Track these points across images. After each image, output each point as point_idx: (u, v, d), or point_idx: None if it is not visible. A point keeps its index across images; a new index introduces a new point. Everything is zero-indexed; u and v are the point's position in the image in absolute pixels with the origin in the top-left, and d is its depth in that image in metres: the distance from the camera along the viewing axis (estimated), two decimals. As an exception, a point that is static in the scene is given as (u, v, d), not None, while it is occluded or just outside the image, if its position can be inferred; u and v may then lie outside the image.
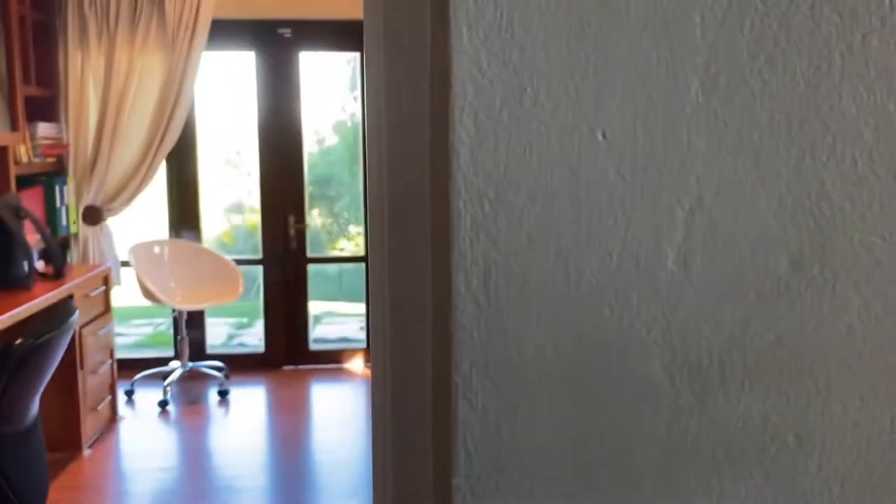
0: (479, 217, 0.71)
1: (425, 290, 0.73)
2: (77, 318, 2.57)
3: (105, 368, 4.34)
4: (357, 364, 5.58)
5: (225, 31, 5.09)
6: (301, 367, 5.51)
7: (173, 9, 4.85)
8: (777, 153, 0.76)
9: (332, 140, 7.39)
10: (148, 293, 4.72)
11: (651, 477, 0.76)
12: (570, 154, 0.74)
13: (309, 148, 6.63)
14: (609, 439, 0.76)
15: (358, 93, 6.40)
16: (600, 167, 0.74)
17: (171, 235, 5.32)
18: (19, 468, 2.31)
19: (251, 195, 8.49)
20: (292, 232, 5.41)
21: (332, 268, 7.94)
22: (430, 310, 0.72)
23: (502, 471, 0.71)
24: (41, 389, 2.48)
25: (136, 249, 4.92)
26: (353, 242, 8.19)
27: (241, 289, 4.96)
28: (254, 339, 6.81)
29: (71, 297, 3.87)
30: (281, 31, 5.21)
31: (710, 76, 0.75)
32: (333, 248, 7.80)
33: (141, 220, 6.58)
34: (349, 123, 7.67)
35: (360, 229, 7.80)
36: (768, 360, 0.77)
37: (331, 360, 5.58)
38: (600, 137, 0.74)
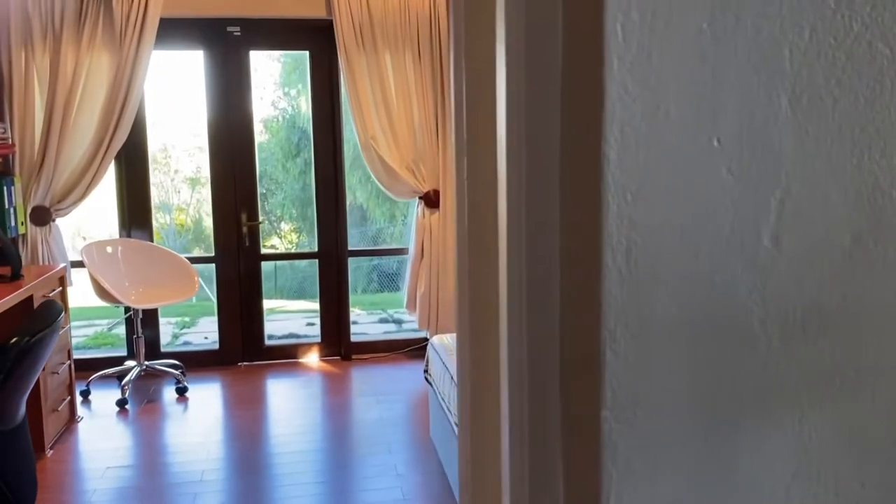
0: (623, 206, 0.90)
1: (553, 263, 0.90)
2: (63, 317, 2.62)
3: (64, 369, 4.32)
4: (312, 358, 5.68)
5: (174, 30, 5.10)
6: (257, 362, 5.57)
7: (120, 7, 4.83)
8: (844, 154, 1.00)
9: (262, 137, 7.39)
10: (104, 293, 4.70)
11: (750, 405, 0.98)
12: (692, 156, 0.94)
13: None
14: (718, 377, 0.97)
15: (290, 90, 6.47)
16: (715, 167, 0.95)
17: (121, 234, 5.28)
18: (12, 466, 2.36)
19: (179, 194, 8.39)
20: (245, 229, 5.46)
21: (267, 265, 7.96)
22: (569, 282, 0.88)
23: (639, 403, 0.91)
24: (31, 388, 2.53)
25: (88, 249, 4.88)
26: (285, 240, 8.22)
27: (196, 286, 4.99)
28: (198, 337, 6.81)
29: (30, 297, 3.85)
30: (230, 29, 5.25)
31: (796, 95, 0.97)
32: (264, 246, 7.78)
33: (86, 219, 6.47)
34: (280, 119, 7.71)
35: (294, 226, 7.82)
36: (837, 314, 1.01)
37: (286, 355, 5.67)
38: (715, 143, 0.95)
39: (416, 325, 5.72)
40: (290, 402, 4.90)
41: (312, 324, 6.78)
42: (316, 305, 6.91)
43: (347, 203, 5.64)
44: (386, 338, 6.13)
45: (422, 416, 4.50)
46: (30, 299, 3.80)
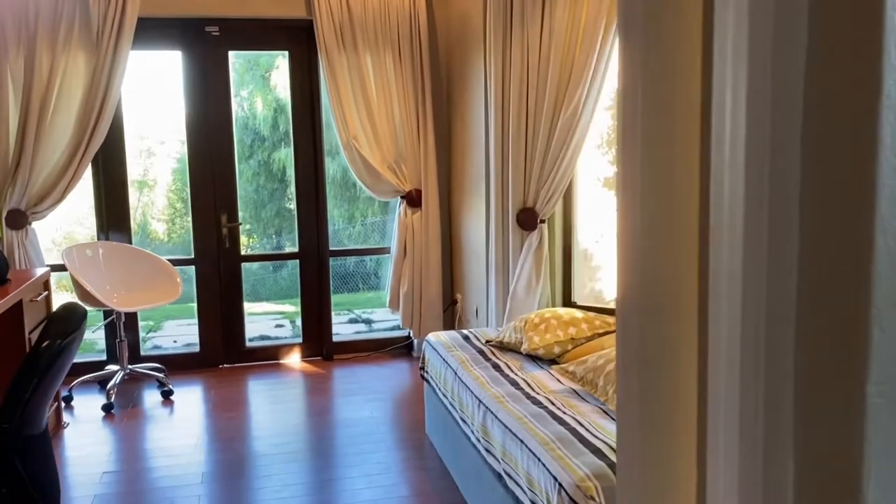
0: None
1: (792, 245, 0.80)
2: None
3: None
4: (294, 359, 5.67)
5: (151, 30, 5.04)
6: (238, 364, 5.54)
7: (97, 7, 4.76)
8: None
9: None
10: (86, 296, 4.62)
11: None
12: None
13: (184, 147, 6.55)
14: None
15: (242, 90, 6.34)
16: None
17: (99, 237, 5.20)
18: (41, 470, 2.35)
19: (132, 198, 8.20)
20: (225, 231, 5.43)
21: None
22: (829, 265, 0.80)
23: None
24: (56, 391, 2.50)
25: (69, 252, 4.80)
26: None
27: (180, 288, 4.94)
28: (166, 340, 6.71)
29: (20, 302, 3.79)
30: (209, 29, 5.21)
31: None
32: None
33: (60, 222, 6.33)
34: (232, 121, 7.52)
35: (246, 227, 7.49)
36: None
37: (267, 356, 5.65)
38: None
39: (386, 325, 5.75)
40: (278, 403, 4.89)
41: (281, 325, 6.75)
42: (284, 307, 6.87)
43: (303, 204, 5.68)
44: (357, 338, 6.13)
45: (413, 412, 4.54)
46: (19, 304, 3.74)
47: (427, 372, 3.97)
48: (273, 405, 4.82)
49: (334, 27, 5.15)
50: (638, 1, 0.83)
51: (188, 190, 5.42)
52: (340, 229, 7.15)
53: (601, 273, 4.95)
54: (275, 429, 4.40)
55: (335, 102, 5.22)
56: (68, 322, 2.15)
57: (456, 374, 3.47)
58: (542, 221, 4.33)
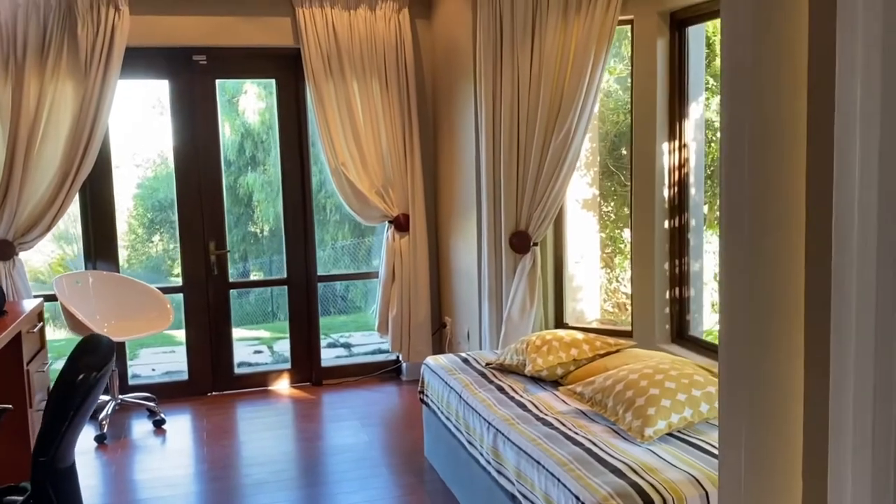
0: None
1: None
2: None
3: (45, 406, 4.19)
4: (283, 385, 5.66)
5: (139, 59, 5.05)
6: (227, 392, 5.52)
7: (86, 36, 4.77)
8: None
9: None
10: (77, 325, 4.58)
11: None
12: None
13: (144, 173, 6.49)
14: None
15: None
16: None
17: (86, 266, 5.16)
18: (71, 501, 2.34)
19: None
20: (213, 258, 5.42)
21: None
22: None
23: None
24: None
25: (59, 282, 4.76)
26: None
27: (171, 316, 4.92)
28: (144, 369, 6.62)
29: (19, 334, 3.75)
30: (196, 58, 5.23)
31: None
32: (172, 276, 7.34)
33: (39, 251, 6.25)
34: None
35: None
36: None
37: (256, 383, 5.63)
38: None
39: (367, 349, 5.78)
40: (271, 430, 4.87)
41: (260, 351, 6.72)
42: (259, 333, 6.82)
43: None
44: (342, 363, 6.11)
45: (410, 436, 4.56)
46: (18, 335, 3.70)
47: (427, 395, 4.00)
48: (266, 432, 4.80)
49: (322, 55, 5.21)
50: (746, 49, 0.90)
51: (176, 218, 5.41)
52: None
53: (581, 294, 5.05)
54: (270, 456, 4.38)
55: (323, 129, 5.27)
56: (99, 354, 2.16)
57: (461, 396, 3.51)
58: (535, 244, 4.41)
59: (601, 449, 2.70)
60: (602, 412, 2.99)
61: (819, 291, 0.92)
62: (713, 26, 4.14)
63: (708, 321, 4.35)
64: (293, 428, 4.91)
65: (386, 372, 5.85)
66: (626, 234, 6.26)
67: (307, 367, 5.72)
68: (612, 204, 5.74)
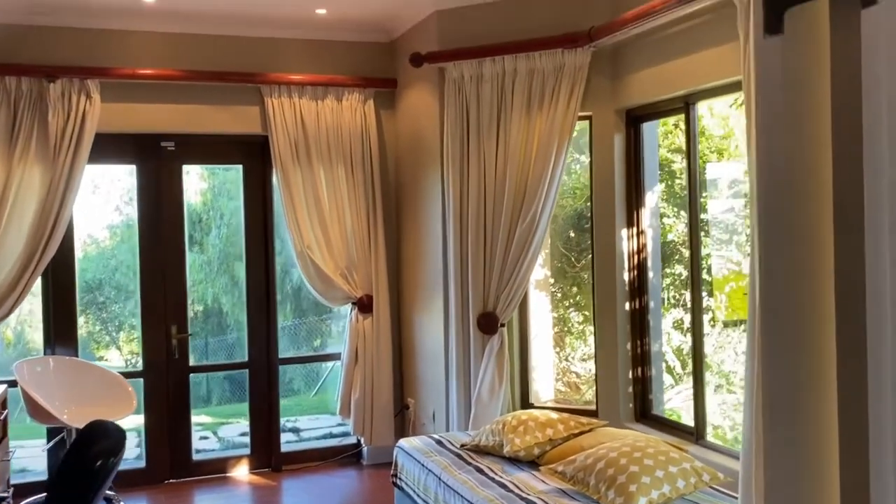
0: None
1: None
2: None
3: (8, 501, 4.06)
4: (242, 472, 5.57)
5: (108, 145, 5.10)
6: (185, 479, 5.40)
7: (56, 121, 4.82)
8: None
9: (107, 243, 6.88)
10: (38, 411, 4.47)
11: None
12: None
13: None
14: None
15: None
16: None
17: (45, 351, 5.07)
18: None
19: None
20: (174, 342, 5.39)
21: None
22: None
23: None
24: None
25: (20, 368, 4.66)
26: (124, 350, 7.31)
27: (134, 402, 4.84)
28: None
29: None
30: (164, 144, 5.32)
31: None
32: (101, 359, 7.11)
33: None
34: (125, 226, 7.13)
35: (133, 336, 6.92)
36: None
37: (214, 469, 5.53)
38: None
39: (318, 433, 5.76)
40: (234, 517, 4.78)
41: (206, 437, 6.55)
42: (201, 419, 6.68)
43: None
44: (297, 448, 5.99)
45: (379, 520, 4.55)
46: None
47: (401, 478, 4.03)
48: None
49: (289, 142, 5.37)
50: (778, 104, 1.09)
51: (139, 303, 5.38)
52: (244, 335, 6.89)
53: (535, 374, 5.17)
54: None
55: (290, 213, 5.38)
56: (112, 439, 2.19)
57: (440, 479, 3.56)
58: (503, 325, 4.56)
59: (588, 526, 2.80)
60: (584, 490, 3.09)
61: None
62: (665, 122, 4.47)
63: (667, 398, 4.53)
64: (257, 515, 4.83)
65: (347, 456, 5.82)
66: (574, 314, 6.47)
67: (266, 453, 5.65)
68: (561, 284, 5.94)
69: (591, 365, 6.63)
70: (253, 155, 5.55)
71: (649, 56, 4.03)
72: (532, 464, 3.60)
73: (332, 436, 6.11)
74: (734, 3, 3.03)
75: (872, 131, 0.97)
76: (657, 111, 4.23)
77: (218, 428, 6.51)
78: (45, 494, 4.72)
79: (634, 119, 4.36)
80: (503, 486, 3.32)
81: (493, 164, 4.53)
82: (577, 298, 6.53)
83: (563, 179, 4.45)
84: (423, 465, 3.77)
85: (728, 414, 5.00)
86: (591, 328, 6.69)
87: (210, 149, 5.54)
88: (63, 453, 2.47)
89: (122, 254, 6.81)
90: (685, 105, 3.90)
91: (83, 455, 2.14)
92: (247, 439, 5.72)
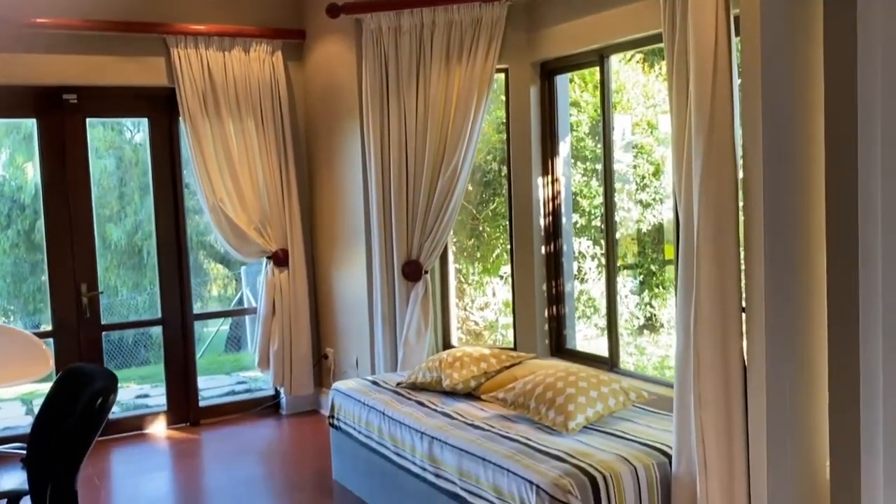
0: None
1: None
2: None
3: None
4: (159, 428, 5.54)
5: (5, 97, 4.86)
6: (101, 437, 5.30)
7: (-53, 71, 4.55)
8: None
9: None
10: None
11: None
12: None
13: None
14: None
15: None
16: None
17: (-55, 315, 4.82)
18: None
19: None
20: (85, 300, 5.26)
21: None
22: None
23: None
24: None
25: (-77, 332, 4.43)
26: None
27: (50, 361, 4.72)
28: (12, 419, 6.20)
29: None
30: (67, 97, 5.11)
31: None
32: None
33: None
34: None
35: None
36: None
37: (130, 427, 5.47)
38: None
39: (218, 392, 5.79)
40: (156, 471, 4.78)
41: (144, 395, 6.46)
42: (121, 376, 6.59)
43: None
44: (214, 402, 5.99)
45: (310, 464, 4.68)
46: None
47: (339, 419, 4.18)
48: (155, 472, 4.71)
49: (197, 95, 5.28)
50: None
51: (45, 259, 5.19)
52: (126, 299, 6.81)
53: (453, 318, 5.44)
54: (164, 495, 4.34)
55: (200, 167, 5.31)
56: (102, 378, 2.23)
57: (384, 414, 3.75)
58: (426, 272, 4.75)
59: (535, 442, 3.07)
60: (525, 413, 3.36)
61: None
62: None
63: (580, 335, 4.89)
64: (184, 467, 4.85)
65: (266, 408, 5.89)
66: (475, 266, 6.76)
67: (184, 408, 5.64)
68: (460, 237, 6.21)
69: (489, 314, 7.00)
70: (159, 108, 5.42)
71: (564, 11, 4.27)
72: (469, 396, 3.84)
73: (233, 393, 6.17)
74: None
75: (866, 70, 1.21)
76: (571, 64, 4.49)
77: (133, 385, 6.41)
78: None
79: (549, 72, 4.61)
80: (447, 415, 3.55)
81: (413, 116, 4.67)
82: (476, 251, 6.82)
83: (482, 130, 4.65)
84: (364, 403, 3.94)
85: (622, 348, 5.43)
86: (489, 279, 7.03)
87: (115, 101, 5.37)
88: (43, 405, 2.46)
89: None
90: (599, 58, 4.18)
91: (75, 399, 2.18)
92: (163, 396, 5.68)
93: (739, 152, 2.65)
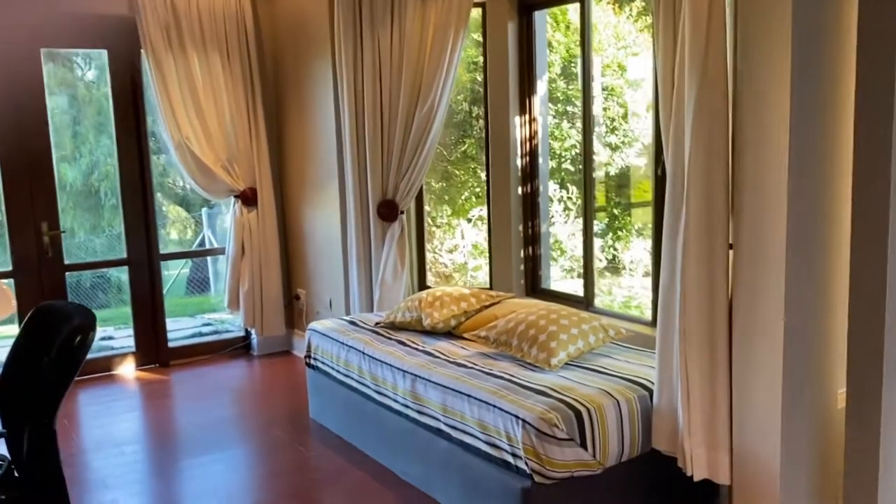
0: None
1: None
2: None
3: None
4: (128, 369, 5.47)
5: (-45, 23, 4.61)
6: (68, 380, 5.21)
7: None
8: None
9: None
10: None
11: None
12: None
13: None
14: None
15: None
16: None
17: None
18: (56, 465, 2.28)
19: None
20: (46, 239, 5.10)
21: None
22: None
23: None
24: None
25: None
26: None
27: (13, 301, 4.57)
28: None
29: None
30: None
31: None
32: None
33: None
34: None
35: None
36: None
37: (99, 368, 5.39)
38: None
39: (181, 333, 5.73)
40: (134, 410, 4.74)
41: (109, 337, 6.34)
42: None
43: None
44: (184, 343, 5.92)
45: (285, 403, 4.67)
46: None
47: (316, 359, 4.16)
48: (123, 415, 4.66)
49: (160, 26, 5.08)
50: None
51: (2, 197, 5.01)
52: (83, 241, 6.66)
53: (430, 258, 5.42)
54: (139, 435, 4.31)
55: (164, 103, 5.14)
56: (81, 316, 2.16)
57: (363, 353, 3.73)
58: (402, 212, 4.69)
59: (519, 379, 3.09)
60: (507, 350, 3.38)
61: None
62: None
63: (556, 275, 4.90)
64: (157, 407, 4.81)
65: (236, 349, 5.84)
66: (442, 209, 6.71)
67: (153, 349, 5.56)
68: (430, 178, 6.14)
69: (458, 256, 7.00)
70: (120, 39, 5.19)
71: (545, -55, 4.16)
72: (448, 335, 3.84)
73: (200, 335, 6.10)
74: None
75: None
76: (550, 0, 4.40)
77: (101, 326, 6.27)
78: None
79: (528, 7, 4.51)
80: (428, 353, 3.55)
81: (388, 53, 4.55)
82: (445, 193, 6.78)
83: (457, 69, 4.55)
84: (342, 343, 3.92)
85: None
86: (458, 221, 6.99)
87: (71, 31, 5.11)
88: (14, 344, 2.38)
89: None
90: (580, -6, 4.09)
91: (51, 338, 2.10)
92: (129, 338, 5.59)
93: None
